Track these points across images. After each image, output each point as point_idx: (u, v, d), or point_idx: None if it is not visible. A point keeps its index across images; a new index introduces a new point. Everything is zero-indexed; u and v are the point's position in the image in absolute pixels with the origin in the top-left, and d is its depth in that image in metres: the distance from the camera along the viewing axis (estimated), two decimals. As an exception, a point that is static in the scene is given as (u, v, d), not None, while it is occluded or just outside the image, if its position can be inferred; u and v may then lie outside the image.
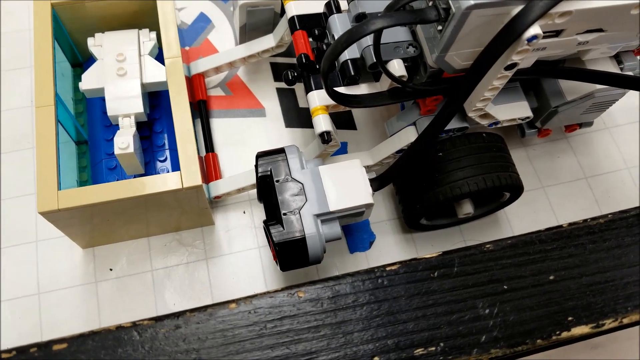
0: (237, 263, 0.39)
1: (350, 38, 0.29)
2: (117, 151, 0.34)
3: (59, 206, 0.31)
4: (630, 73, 0.37)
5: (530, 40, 0.27)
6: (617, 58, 0.37)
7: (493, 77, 0.30)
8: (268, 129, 0.44)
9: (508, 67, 0.30)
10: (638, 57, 0.38)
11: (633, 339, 0.44)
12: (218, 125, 0.44)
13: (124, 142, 0.34)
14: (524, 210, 0.42)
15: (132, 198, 0.32)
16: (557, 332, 0.27)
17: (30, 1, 0.49)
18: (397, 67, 0.32)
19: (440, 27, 0.29)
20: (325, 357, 0.25)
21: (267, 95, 0.46)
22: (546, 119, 0.39)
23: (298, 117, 0.45)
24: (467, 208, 0.38)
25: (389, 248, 0.40)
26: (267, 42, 0.41)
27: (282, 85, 0.46)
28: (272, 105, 0.45)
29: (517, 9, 0.27)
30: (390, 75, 0.32)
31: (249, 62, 0.43)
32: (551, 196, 0.43)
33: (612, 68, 0.36)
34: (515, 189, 0.36)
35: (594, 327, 0.27)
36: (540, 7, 0.27)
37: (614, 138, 0.46)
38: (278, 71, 0.47)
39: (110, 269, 0.39)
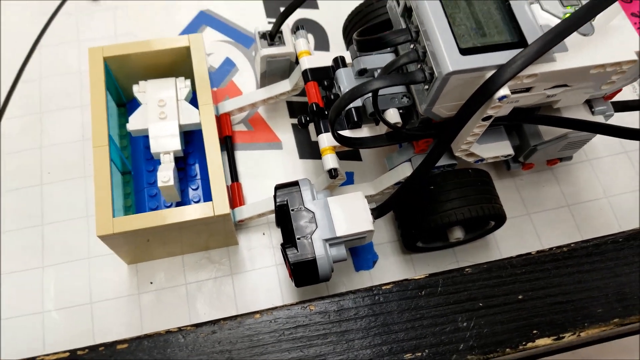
0: (258, 278, 0.45)
1: (352, 95, 0.35)
2: (159, 184, 0.41)
3: (113, 231, 0.38)
4: (601, 116, 0.42)
5: (501, 99, 0.33)
6: (589, 103, 0.42)
7: (473, 126, 0.36)
8: (284, 160, 0.51)
9: (485, 119, 0.35)
10: (609, 101, 0.43)
11: (620, 354, 0.49)
12: (241, 157, 0.50)
13: (166, 176, 0.41)
14: (511, 234, 0.48)
15: (172, 224, 0.39)
16: (524, 343, 0.32)
17: (71, 45, 0.57)
18: (392, 114, 0.38)
19: (427, 87, 0.35)
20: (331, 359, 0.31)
21: (284, 130, 0.52)
22: (527, 155, 0.44)
23: (310, 149, 0.51)
24: (457, 234, 0.43)
25: (390, 267, 0.46)
26: (283, 86, 0.48)
27: (297, 121, 0.52)
28: (287, 139, 0.52)
29: (489, 73, 0.33)
30: (386, 122, 0.38)
31: (268, 103, 0.50)
32: (536, 222, 0.48)
33: (583, 112, 0.41)
34: (499, 218, 0.42)
35: (555, 339, 0.32)
36: (508, 72, 0.32)
37: (594, 169, 0.51)
38: (293, 109, 0.53)
39: (151, 282, 0.45)
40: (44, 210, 0.48)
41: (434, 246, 0.46)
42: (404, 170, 0.42)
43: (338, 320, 0.32)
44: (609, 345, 0.48)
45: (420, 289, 0.33)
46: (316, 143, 0.51)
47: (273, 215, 0.47)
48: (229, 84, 0.54)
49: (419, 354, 0.31)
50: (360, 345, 0.31)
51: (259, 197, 0.48)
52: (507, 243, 0.47)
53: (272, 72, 0.48)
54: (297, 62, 0.46)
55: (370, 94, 0.36)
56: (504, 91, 0.32)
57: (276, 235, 0.47)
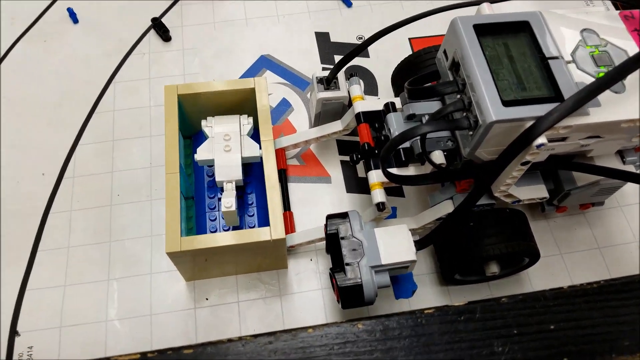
0: (304, 300, 0.49)
1: (402, 138, 0.39)
2: (223, 209, 0.45)
3: (181, 248, 0.43)
4: (632, 166, 0.45)
5: (539, 146, 0.37)
6: (621, 153, 0.45)
7: (512, 169, 0.40)
8: (332, 193, 0.55)
9: (523, 163, 0.39)
10: (638, 152, 0.46)
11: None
12: (294, 188, 0.55)
13: (229, 202, 0.45)
14: (543, 271, 0.50)
15: (234, 245, 0.43)
16: (556, 370, 0.35)
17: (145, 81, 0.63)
18: (438, 156, 0.42)
19: (471, 133, 0.39)
20: (377, 374, 0.34)
21: (333, 166, 0.57)
22: (561, 199, 0.47)
23: (356, 184, 0.55)
24: (493, 268, 0.46)
25: (428, 296, 0.49)
26: (335, 126, 0.53)
27: (345, 158, 0.57)
28: (336, 174, 0.56)
29: (529, 123, 0.37)
30: (432, 163, 0.42)
31: (320, 141, 0.54)
32: (567, 261, 0.51)
33: (615, 162, 0.45)
34: (533, 256, 0.45)
35: (584, 368, 0.35)
36: (546, 123, 0.36)
37: (625, 215, 0.53)
38: (342, 147, 0.58)
39: (207, 299, 0.49)
40: (112, 229, 0.54)
41: (470, 279, 0.49)
42: (446, 207, 0.46)
43: (383, 338, 0.35)
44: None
45: (459, 314, 0.36)
46: (362, 179, 0.56)
47: (320, 243, 0.51)
48: (285, 122, 0.59)
49: (458, 374, 0.34)
50: (404, 363, 0.35)
51: (308, 225, 0.52)
52: (539, 279, 0.50)
53: (326, 113, 0.53)
54: (349, 105, 0.51)
55: (418, 137, 0.41)
56: (541, 140, 0.36)
57: (322, 262, 0.51)
